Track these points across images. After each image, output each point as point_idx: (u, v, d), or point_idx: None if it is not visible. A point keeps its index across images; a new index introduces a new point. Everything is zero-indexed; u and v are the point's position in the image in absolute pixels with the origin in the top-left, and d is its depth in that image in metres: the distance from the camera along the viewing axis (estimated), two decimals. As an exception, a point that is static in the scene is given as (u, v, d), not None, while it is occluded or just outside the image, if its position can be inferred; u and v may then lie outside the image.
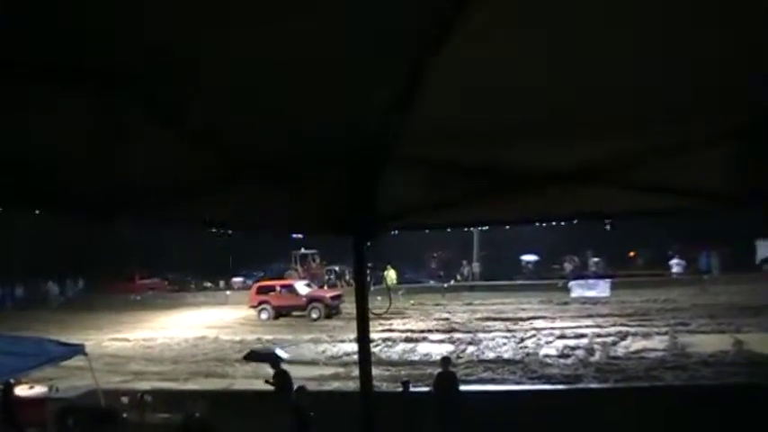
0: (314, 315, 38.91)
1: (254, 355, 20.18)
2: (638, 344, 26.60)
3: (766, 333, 25.87)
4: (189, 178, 3.47)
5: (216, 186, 3.50)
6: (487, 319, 34.71)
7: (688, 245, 44.48)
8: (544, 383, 21.33)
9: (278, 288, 41.41)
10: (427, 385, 18.57)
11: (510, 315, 35.31)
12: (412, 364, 25.88)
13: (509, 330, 31.11)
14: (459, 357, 25.69)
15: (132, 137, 2.90)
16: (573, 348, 26.37)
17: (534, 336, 29.40)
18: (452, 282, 49.22)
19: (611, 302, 37.57)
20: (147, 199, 3.58)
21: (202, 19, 2.16)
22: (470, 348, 27.81)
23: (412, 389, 17.65)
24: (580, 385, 20.60)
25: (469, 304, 40.27)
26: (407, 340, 30.06)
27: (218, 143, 3.13)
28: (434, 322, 34.68)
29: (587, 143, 3.42)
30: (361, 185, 3.72)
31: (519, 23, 2.28)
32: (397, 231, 4.81)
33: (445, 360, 17.56)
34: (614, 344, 26.84)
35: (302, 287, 41.39)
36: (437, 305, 40.88)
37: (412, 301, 41.33)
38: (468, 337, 30.11)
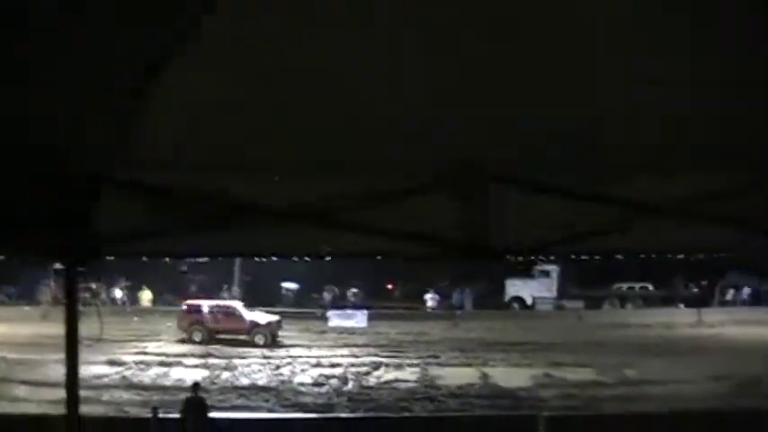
0: (260, 342, 35.59)
1: None
2: (391, 374, 27.43)
3: (510, 368, 27.59)
4: None
5: None
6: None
7: (443, 280, 46.50)
8: (297, 412, 21.35)
9: (213, 310, 38.15)
10: (179, 411, 18.09)
11: (264, 342, 35.16)
12: (165, 389, 25.02)
13: (265, 357, 31.14)
14: (213, 383, 25.30)
15: None
16: (327, 377, 26.75)
17: (290, 363, 29.55)
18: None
19: (367, 333, 38.50)
20: None
21: None
22: (225, 374, 27.46)
23: (161, 415, 17.15)
24: (331, 414, 20.80)
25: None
26: (161, 364, 29.17)
27: None
28: (191, 346, 33.92)
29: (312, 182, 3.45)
30: (74, 209, 3.54)
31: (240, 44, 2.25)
32: (112, 257, 4.68)
33: (195, 385, 17.29)
34: (367, 374, 27.52)
35: (244, 311, 38.38)
36: (195, 329, 39.77)
37: (168, 324, 40.19)
38: (223, 362, 29.73)
